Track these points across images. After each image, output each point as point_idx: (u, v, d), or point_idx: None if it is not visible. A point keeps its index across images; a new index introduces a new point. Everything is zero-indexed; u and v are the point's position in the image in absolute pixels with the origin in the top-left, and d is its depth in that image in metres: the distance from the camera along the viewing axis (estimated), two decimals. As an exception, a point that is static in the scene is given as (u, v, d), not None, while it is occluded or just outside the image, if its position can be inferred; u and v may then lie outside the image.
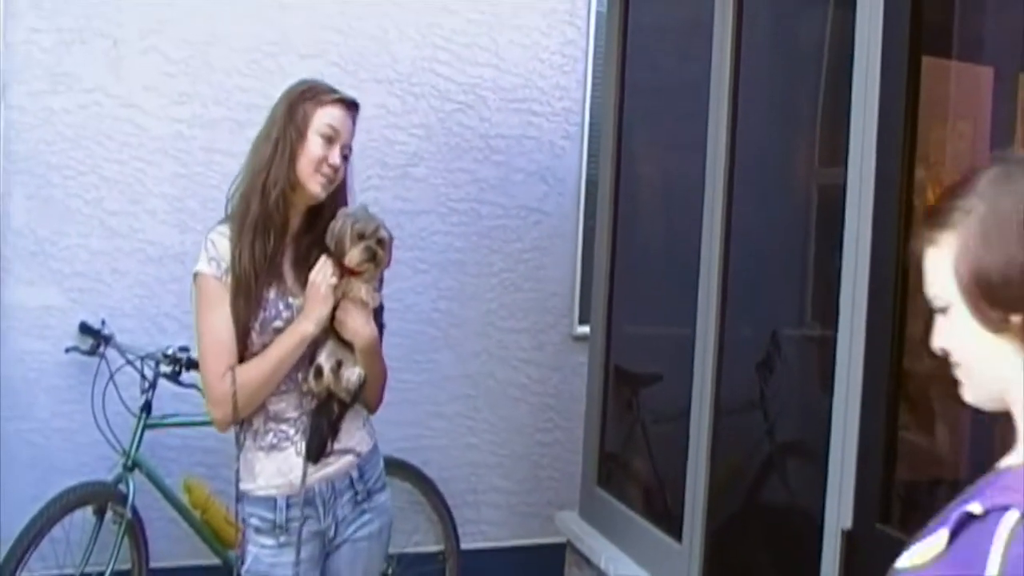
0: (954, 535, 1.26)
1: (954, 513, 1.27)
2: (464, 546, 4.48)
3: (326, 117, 2.51)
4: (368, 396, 2.64)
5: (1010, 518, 1.20)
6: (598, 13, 4.72)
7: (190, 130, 4.26)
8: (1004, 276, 1.26)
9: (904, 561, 1.35)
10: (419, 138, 4.62)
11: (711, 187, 3.11)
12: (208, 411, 2.54)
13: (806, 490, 2.64)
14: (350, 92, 4.37)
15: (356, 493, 2.61)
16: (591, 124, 4.78)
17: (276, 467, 2.54)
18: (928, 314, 1.36)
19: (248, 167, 2.53)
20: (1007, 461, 1.32)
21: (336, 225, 2.50)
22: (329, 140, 2.51)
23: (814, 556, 2.51)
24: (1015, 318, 1.27)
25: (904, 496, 2.50)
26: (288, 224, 2.54)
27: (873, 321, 2.41)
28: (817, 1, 2.96)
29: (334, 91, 2.56)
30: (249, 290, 2.46)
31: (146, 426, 3.81)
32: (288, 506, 2.53)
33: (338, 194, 2.59)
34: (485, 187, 4.73)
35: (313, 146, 2.49)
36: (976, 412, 2.39)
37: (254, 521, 2.56)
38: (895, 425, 2.42)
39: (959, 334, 1.32)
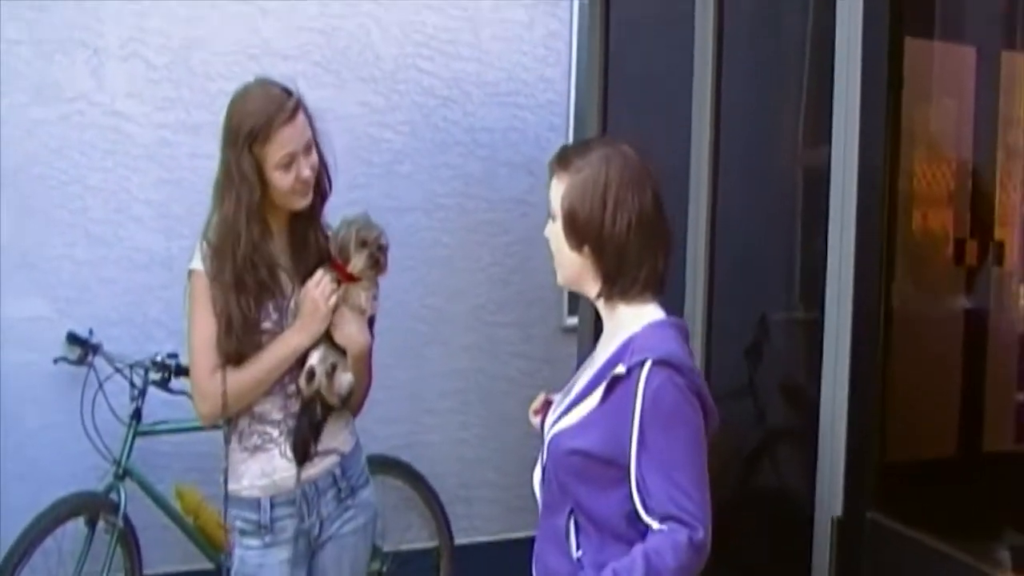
0: (606, 395, 1.92)
1: (603, 378, 1.92)
2: (458, 541, 4.47)
3: (279, 149, 2.44)
4: (353, 401, 2.65)
5: (645, 366, 1.87)
6: (581, 4, 4.70)
7: (174, 135, 4.24)
8: (584, 220, 1.96)
9: (557, 428, 2.04)
10: (404, 135, 4.60)
11: (696, 174, 3.10)
12: (195, 405, 2.56)
13: (797, 477, 2.63)
14: (330, 92, 4.35)
15: (339, 491, 2.62)
16: (576, 115, 4.76)
17: (260, 468, 2.55)
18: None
19: (215, 218, 2.50)
20: (625, 333, 1.97)
21: (340, 232, 2.53)
22: (289, 165, 2.46)
23: (807, 544, 2.50)
24: (587, 247, 1.98)
25: (895, 483, 2.49)
26: (271, 256, 2.52)
27: (859, 304, 2.40)
28: (797, -14, 2.95)
29: (273, 115, 2.44)
30: (238, 335, 2.47)
31: (136, 434, 3.79)
32: (272, 506, 2.54)
33: (319, 181, 2.58)
34: (471, 181, 4.72)
35: (278, 181, 2.46)
36: (964, 396, 2.41)
37: (239, 523, 2.58)
38: (884, 410, 2.41)
39: (556, 238, 2.03)
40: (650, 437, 1.86)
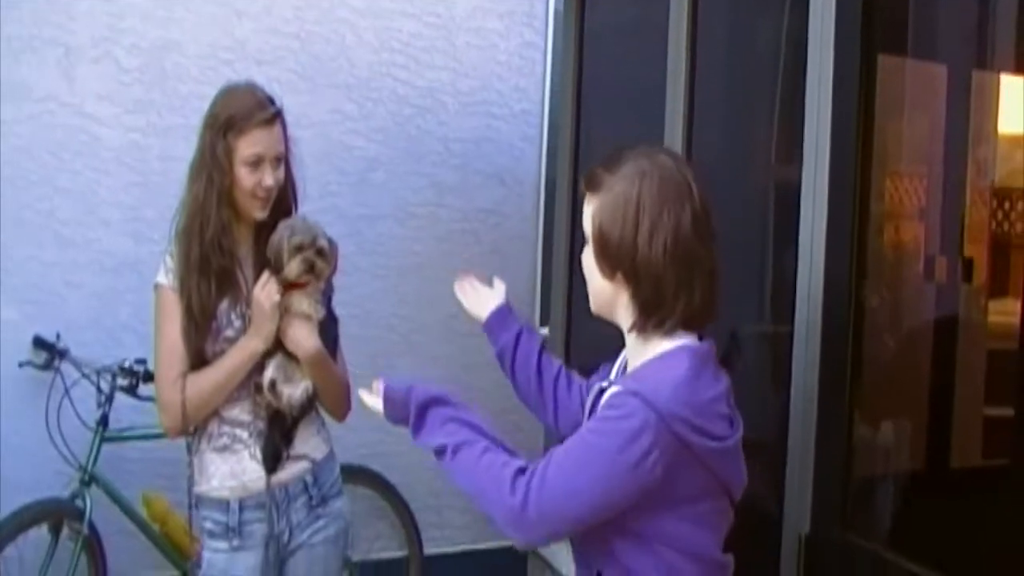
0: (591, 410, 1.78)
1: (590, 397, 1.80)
2: (427, 551, 4.47)
3: (249, 146, 2.49)
4: (328, 405, 2.65)
5: (612, 389, 1.73)
6: (556, 13, 4.71)
7: (145, 139, 4.20)
8: (617, 244, 1.76)
9: None
10: (377, 143, 4.59)
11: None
12: (159, 417, 2.56)
13: (765, 493, 2.64)
14: (304, 98, 4.33)
15: (311, 498, 2.61)
16: (550, 126, 4.77)
17: (229, 468, 2.55)
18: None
19: (186, 200, 2.53)
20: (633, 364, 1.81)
21: (274, 238, 2.50)
22: (256, 165, 2.50)
23: (774, 561, 2.50)
24: (620, 274, 1.77)
25: (863, 499, 2.51)
26: (235, 245, 2.54)
27: (829, 319, 2.41)
28: (771, 1, 2.97)
29: (254, 111, 2.50)
30: (198, 324, 2.48)
31: (103, 440, 3.76)
32: (241, 509, 2.54)
33: (283, 200, 2.60)
34: (444, 190, 4.71)
35: (242, 179, 2.49)
36: (934, 415, 2.41)
37: (208, 524, 2.58)
38: (853, 428, 2.42)
39: (588, 264, 1.84)
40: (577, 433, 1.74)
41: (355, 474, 4.16)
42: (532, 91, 4.85)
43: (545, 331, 4.30)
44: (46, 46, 4.06)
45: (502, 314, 2.24)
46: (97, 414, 3.77)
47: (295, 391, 2.53)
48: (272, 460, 2.54)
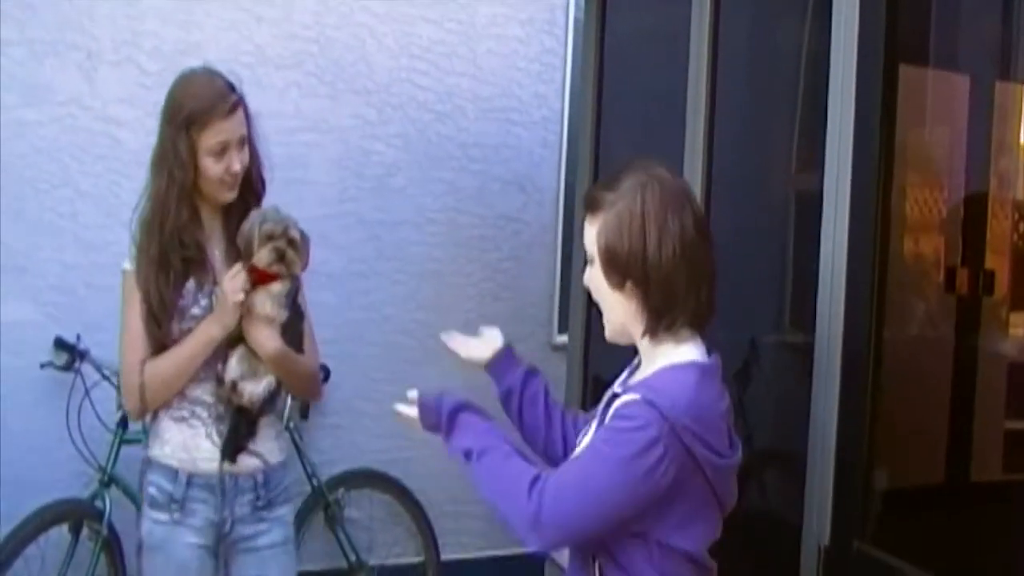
0: (602, 417, 1.83)
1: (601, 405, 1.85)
2: (444, 557, 4.47)
3: (213, 136, 2.46)
4: (295, 394, 2.65)
5: (629, 395, 1.77)
6: (576, 21, 4.72)
7: (166, 142, 4.22)
8: (626, 255, 1.82)
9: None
10: (397, 148, 4.60)
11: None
12: (123, 401, 2.58)
13: (785, 504, 2.63)
14: (324, 103, 4.33)
15: (257, 498, 2.61)
16: (570, 133, 4.77)
17: (183, 440, 2.55)
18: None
19: (148, 192, 2.53)
20: (644, 371, 1.87)
21: (245, 226, 2.50)
22: (221, 154, 2.48)
23: (794, 572, 2.49)
24: (630, 283, 1.83)
25: (883, 511, 2.49)
26: (200, 233, 2.54)
27: (850, 330, 2.40)
28: (794, 9, 2.97)
29: (215, 103, 2.46)
30: (157, 317, 2.49)
31: (122, 441, 3.78)
32: (189, 484, 2.53)
33: (250, 179, 2.59)
34: (463, 197, 4.72)
35: (208, 168, 2.48)
36: (954, 427, 2.40)
37: (152, 490, 2.55)
38: (873, 438, 2.41)
39: (596, 282, 1.89)
40: (593, 440, 1.80)
41: (373, 479, 4.17)
42: (552, 98, 4.86)
43: (564, 339, 4.30)
44: (68, 50, 4.09)
45: (507, 355, 2.27)
46: (117, 416, 3.78)
47: (256, 387, 2.53)
48: (232, 452, 2.54)
